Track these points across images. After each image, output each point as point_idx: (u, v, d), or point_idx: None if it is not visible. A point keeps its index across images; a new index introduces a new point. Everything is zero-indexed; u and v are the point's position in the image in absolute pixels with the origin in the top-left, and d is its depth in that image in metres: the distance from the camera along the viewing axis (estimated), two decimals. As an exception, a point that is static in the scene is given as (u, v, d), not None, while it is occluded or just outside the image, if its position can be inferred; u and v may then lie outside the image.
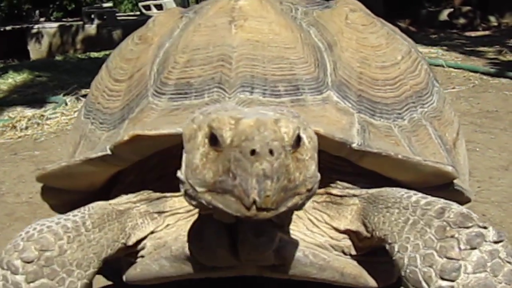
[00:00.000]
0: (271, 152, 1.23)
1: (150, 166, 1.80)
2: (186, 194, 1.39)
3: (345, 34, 1.90)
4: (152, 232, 1.78)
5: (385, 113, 1.83)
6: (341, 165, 1.73)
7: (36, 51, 10.89)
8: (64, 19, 13.22)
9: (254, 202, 1.24)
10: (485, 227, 1.41)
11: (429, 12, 11.46)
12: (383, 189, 1.67)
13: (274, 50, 1.78)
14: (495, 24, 10.62)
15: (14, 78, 7.34)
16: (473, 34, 9.46)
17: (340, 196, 1.73)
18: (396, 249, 1.48)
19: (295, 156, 1.30)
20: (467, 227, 1.40)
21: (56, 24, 11.39)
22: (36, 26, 11.48)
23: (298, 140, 1.31)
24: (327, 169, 1.69)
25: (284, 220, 1.57)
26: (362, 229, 1.67)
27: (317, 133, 1.42)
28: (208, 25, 1.85)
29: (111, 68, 2.07)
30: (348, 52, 1.85)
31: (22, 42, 10.96)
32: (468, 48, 7.54)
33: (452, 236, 1.39)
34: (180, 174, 1.40)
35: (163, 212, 1.79)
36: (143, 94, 1.85)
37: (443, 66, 6.27)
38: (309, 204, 1.72)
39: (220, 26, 1.83)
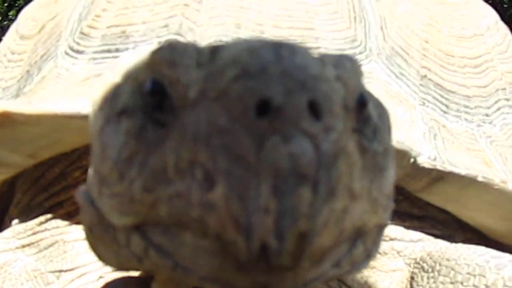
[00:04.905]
0: (315, 109, 0.40)
1: (49, 179, 1.01)
2: (91, 235, 0.57)
3: None
4: None
5: (465, 111, 1.05)
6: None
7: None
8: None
9: (265, 250, 0.39)
10: None
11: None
12: (445, 245, 0.90)
13: None
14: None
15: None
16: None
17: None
18: None
19: (358, 142, 0.46)
20: None
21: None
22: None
23: (362, 104, 0.47)
24: None
25: None
26: None
27: None
28: None
29: (21, 19, 1.30)
30: (406, 4, 1.08)
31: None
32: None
33: None
34: (81, 191, 0.58)
35: (63, 271, 0.97)
36: (51, 53, 1.07)
37: None
38: None
39: None
